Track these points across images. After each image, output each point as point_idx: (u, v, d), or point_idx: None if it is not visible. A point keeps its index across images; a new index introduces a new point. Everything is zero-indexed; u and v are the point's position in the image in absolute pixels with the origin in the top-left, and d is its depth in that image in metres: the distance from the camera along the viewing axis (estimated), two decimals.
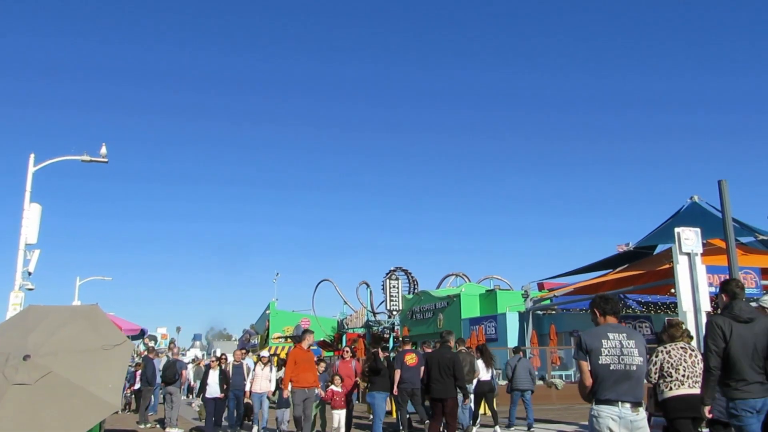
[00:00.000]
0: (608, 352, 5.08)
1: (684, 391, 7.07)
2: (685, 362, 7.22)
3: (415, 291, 40.51)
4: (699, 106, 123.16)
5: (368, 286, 43.41)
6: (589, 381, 5.03)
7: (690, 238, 14.57)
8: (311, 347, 12.64)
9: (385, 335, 37.42)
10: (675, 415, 7.02)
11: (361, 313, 43.72)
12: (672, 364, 7.24)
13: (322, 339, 43.57)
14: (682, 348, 7.35)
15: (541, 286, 32.50)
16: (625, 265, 27.28)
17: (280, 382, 13.92)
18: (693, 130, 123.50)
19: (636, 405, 4.97)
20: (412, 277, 41.24)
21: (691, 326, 13.39)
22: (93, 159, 20.39)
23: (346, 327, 44.39)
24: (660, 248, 26.23)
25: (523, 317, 29.72)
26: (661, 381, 7.28)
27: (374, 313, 41.65)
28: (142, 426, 15.78)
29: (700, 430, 7.38)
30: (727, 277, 13.91)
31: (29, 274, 18.31)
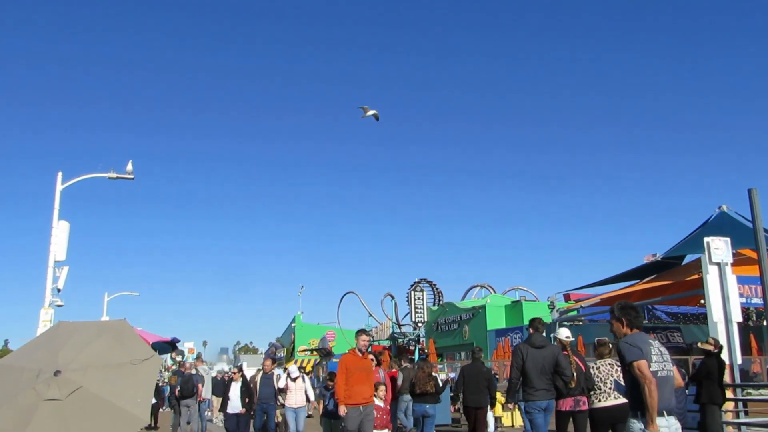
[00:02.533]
0: (655, 358, 4.94)
1: (611, 402, 8.27)
2: (612, 376, 8.33)
3: (440, 302, 40.35)
4: (727, 115, 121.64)
5: (393, 298, 43.30)
6: (651, 377, 4.75)
7: (720, 247, 14.36)
8: (367, 352, 9.83)
9: (410, 347, 37.28)
10: (598, 423, 8.35)
11: (386, 326, 43.63)
12: (601, 378, 8.38)
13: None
14: (609, 364, 8.50)
15: (567, 297, 32.15)
16: (653, 276, 26.89)
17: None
18: (721, 140, 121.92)
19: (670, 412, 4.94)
20: (437, 288, 41.10)
21: (722, 337, 13.16)
22: (119, 176, 20.63)
23: (372, 339, 44.27)
24: (688, 258, 25.80)
25: (549, 329, 29.41)
26: (591, 393, 8.42)
27: (399, 325, 41.53)
28: None
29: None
30: (760, 287, 13.68)
31: (58, 290, 18.54)
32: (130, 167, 20.81)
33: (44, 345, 9.36)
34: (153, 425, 18.63)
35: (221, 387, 16.58)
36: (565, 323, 29.22)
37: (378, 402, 10.78)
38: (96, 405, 8.19)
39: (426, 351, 31.18)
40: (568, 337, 9.12)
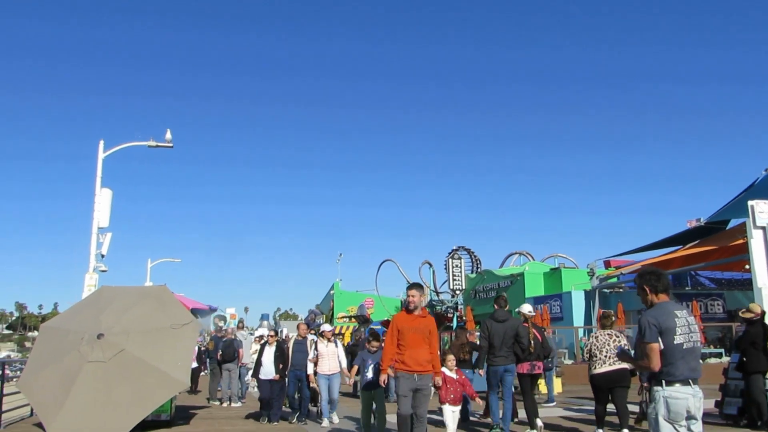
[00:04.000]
0: (681, 330, 4.89)
1: (606, 368, 9.31)
2: (608, 345, 9.36)
3: (478, 270, 40.23)
4: None
5: (431, 265, 43.34)
6: (658, 365, 4.81)
7: (765, 211, 14.01)
8: (418, 310, 7.95)
9: (448, 315, 37.36)
10: (597, 386, 9.44)
11: (424, 293, 43.74)
12: (598, 347, 9.43)
13: (385, 318, 43.87)
14: (608, 334, 9.54)
15: (607, 264, 31.75)
16: (696, 242, 26.34)
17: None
18: (766, 103, 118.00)
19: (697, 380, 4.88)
20: (475, 256, 40.96)
21: (766, 302, 12.87)
22: (159, 144, 20.86)
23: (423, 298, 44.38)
24: (733, 223, 25.21)
25: (589, 296, 29.19)
26: (590, 361, 9.53)
27: (437, 293, 41.60)
28: (215, 402, 16.22)
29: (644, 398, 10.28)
30: None
31: (102, 256, 18.95)
32: (168, 136, 21.03)
33: (88, 309, 9.61)
34: (193, 389, 19.03)
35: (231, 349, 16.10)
36: (605, 289, 29.07)
37: (448, 373, 9.36)
38: (138, 367, 8.41)
39: (464, 318, 31.19)
40: (529, 312, 10.83)
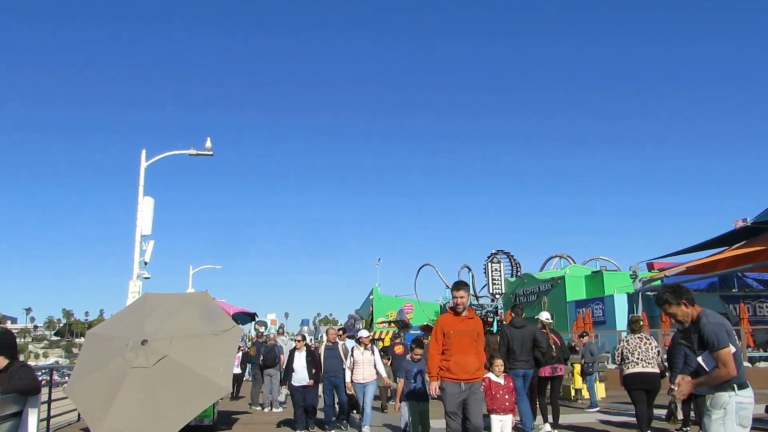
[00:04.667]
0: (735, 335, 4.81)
1: (637, 369, 9.91)
2: (639, 348, 9.99)
3: (518, 274, 39.90)
4: None
5: (470, 269, 43.14)
6: (735, 370, 4.58)
7: None
8: (464, 312, 7.27)
9: (488, 319, 37.12)
10: (631, 387, 9.99)
11: None
12: (629, 350, 10.06)
13: (425, 323, 43.74)
14: (638, 338, 10.15)
15: (650, 266, 31.16)
16: (743, 242, 25.69)
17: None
18: None
19: None
20: (515, 259, 40.65)
21: None
22: (199, 152, 21.15)
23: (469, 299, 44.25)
24: None
25: (632, 299, 28.69)
26: (622, 363, 10.14)
27: (477, 297, 41.38)
28: (257, 408, 16.37)
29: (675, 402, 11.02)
30: None
31: (145, 263, 19.26)
32: (209, 144, 21.30)
33: (132, 315, 9.78)
34: (235, 394, 19.22)
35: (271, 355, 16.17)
36: (649, 292, 28.51)
37: (495, 379, 8.78)
38: (181, 373, 8.52)
39: (504, 323, 30.96)
40: (547, 319, 11.60)
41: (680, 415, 11.04)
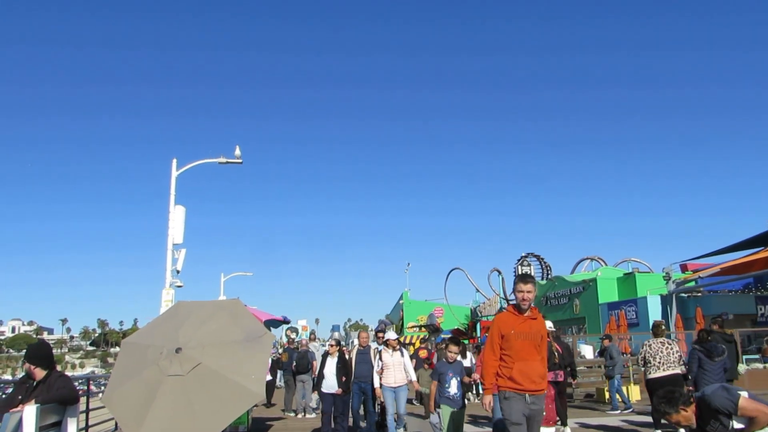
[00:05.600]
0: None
1: (660, 374, 10.23)
2: (661, 353, 10.32)
3: (549, 276, 39.59)
4: None
5: (500, 273, 42.89)
6: (765, 406, 4.71)
7: None
8: (528, 312, 6.12)
9: None
10: (653, 390, 10.14)
11: (494, 301, 43.32)
12: (651, 354, 10.39)
13: (456, 327, 43.57)
14: (660, 342, 10.45)
15: (684, 268, 30.71)
16: None
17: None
18: None
19: None
20: (545, 262, 40.37)
21: None
22: (229, 161, 21.34)
23: (479, 315, 44.16)
24: None
25: (665, 300, 28.30)
26: (644, 367, 10.55)
27: (507, 300, 41.06)
28: (290, 414, 16.45)
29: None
30: None
31: (177, 272, 19.45)
32: (238, 152, 21.47)
33: (165, 324, 9.89)
34: (268, 402, 19.22)
35: (305, 361, 16.19)
36: (683, 294, 28.08)
37: None
38: (215, 380, 8.60)
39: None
40: (550, 327, 11.34)
41: None
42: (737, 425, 4.80)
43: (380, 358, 11.15)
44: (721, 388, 4.84)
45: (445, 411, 8.46)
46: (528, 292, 6.04)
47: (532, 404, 5.91)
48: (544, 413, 6.66)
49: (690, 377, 10.49)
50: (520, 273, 8.23)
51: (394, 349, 11.16)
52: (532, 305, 6.17)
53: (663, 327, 10.98)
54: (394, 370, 10.98)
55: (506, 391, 5.94)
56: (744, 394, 4.69)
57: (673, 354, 10.28)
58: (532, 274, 38.25)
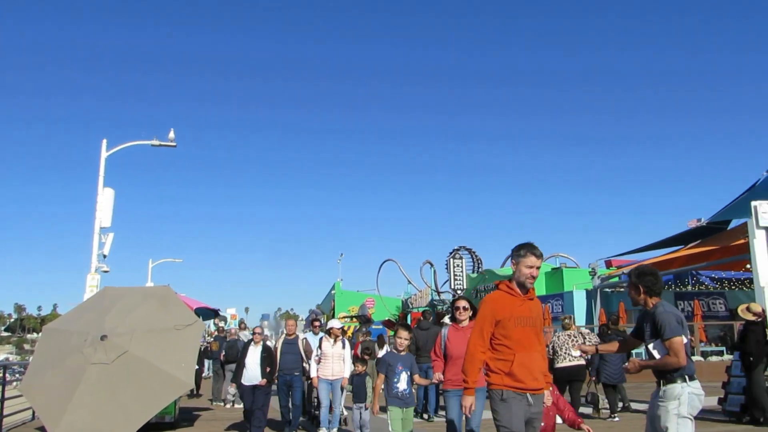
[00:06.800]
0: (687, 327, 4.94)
1: (566, 363, 11.38)
2: (567, 344, 11.40)
3: (480, 270, 40.22)
4: None
5: (432, 265, 43.35)
6: (685, 359, 4.72)
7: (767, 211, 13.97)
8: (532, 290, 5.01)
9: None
10: (558, 379, 11.02)
11: (425, 293, 43.75)
12: (559, 345, 11.52)
13: (387, 318, 43.83)
14: (567, 335, 11.61)
15: (609, 264, 31.68)
16: (698, 241, 26.33)
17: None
18: (765, 103, 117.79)
19: None
20: (476, 255, 40.95)
21: None
22: (162, 143, 20.81)
23: (410, 306, 44.54)
24: (734, 223, 25.20)
25: (590, 295, 29.17)
26: (553, 356, 11.38)
27: (438, 293, 41.61)
28: (219, 404, 16.23)
29: (591, 392, 12.25)
30: None
31: (104, 256, 18.91)
32: (172, 135, 20.97)
33: (91, 310, 9.58)
34: (195, 392, 18.83)
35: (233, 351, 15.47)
36: (607, 289, 29.02)
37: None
38: (142, 369, 8.38)
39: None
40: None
41: (604, 404, 12.06)
42: (652, 349, 4.92)
43: (320, 347, 10.50)
44: (678, 318, 4.86)
45: (395, 413, 7.15)
46: (538, 268, 4.92)
47: (534, 406, 4.77)
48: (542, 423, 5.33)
49: (591, 368, 12.08)
50: (526, 243, 6.53)
51: (336, 338, 10.44)
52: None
53: (569, 321, 12.11)
54: (333, 362, 10.30)
55: (504, 391, 4.69)
56: (684, 339, 4.76)
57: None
58: (463, 266, 38.77)
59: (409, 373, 7.35)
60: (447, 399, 6.89)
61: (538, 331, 4.93)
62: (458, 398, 6.03)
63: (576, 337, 11.58)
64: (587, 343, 11.29)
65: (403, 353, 7.53)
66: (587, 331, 12.31)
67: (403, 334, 7.64)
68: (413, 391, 7.55)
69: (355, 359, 9.54)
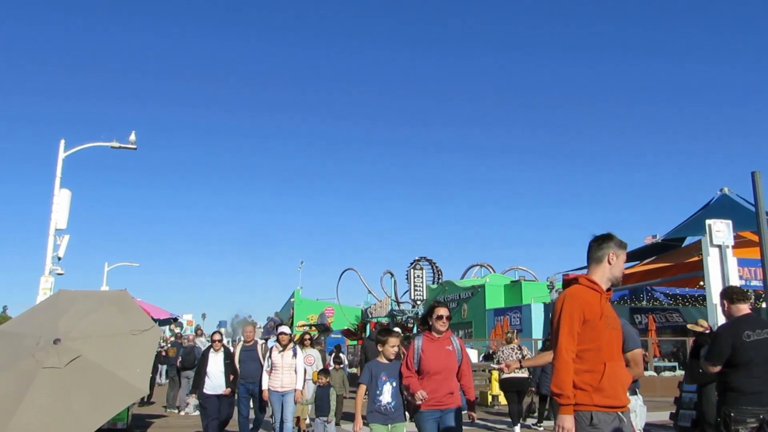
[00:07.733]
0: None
1: (510, 375, 12.04)
2: (511, 357, 12.03)
3: (440, 281, 40.42)
4: (730, 96, 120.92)
5: (392, 275, 43.41)
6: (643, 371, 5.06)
7: (721, 230, 14.37)
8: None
9: (409, 325, 37.41)
10: (504, 389, 12.62)
11: (385, 303, 43.73)
12: (503, 358, 12.08)
13: (346, 327, 43.71)
14: (511, 348, 12.37)
15: (566, 277, 32.11)
16: (653, 257, 26.91)
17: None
18: (723, 122, 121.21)
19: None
20: (437, 267, 41.15)
21: (721, 320, 13.17)
22: (122, 146, 20.51)
23: (370, 316, 44.43)
24: (689, 240, 25.83)
25: (548, 308, 29.53)
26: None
27: (398, 303, 41.64)
28: (173, 411, 15.98)
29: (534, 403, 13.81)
30: (760, 269, 13.66)
31: (59, 259, 18.54)
32: (133, 137, 20.70)
33: (45, 313, 9.36)
34: (148, 399, 18.33)
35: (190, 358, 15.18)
36: None
37: None
38: (95, 374, 8.21)
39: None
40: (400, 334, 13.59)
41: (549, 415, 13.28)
42: (525, 354, 5.18)
43: (270, 356, 9.89)
44: (635, 332, 5.17)
45: (376, 429, 6.13)
46: (624, 263, 4.14)
47: (625, 427, 3.74)
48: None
49: (532, 379, 13.02)
50: (613, 236, 3.99)
51: (284, 346, 9.85)
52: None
53: (511, 335, 12.95)
54: (283, 372, 9.72)
55: (594, 412, 3.63)
56: (642, 351, 5.03)
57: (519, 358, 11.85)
58: (424, 277, 38.92)
59: (395, 384, 6.24)
60: (421, 421, 5.88)
61: (620, 336, 3.99)
62: (435, 420, 5.76)
63: (520, 350, 12.39)
64: (524, 357, 12.17)
65: (390, 362, 6.49)
66: (525, 346, 13.17)
67: (393, 341, 6.56)
68: (401, 404, 6.24)
69: (323, 372, 9.46)
